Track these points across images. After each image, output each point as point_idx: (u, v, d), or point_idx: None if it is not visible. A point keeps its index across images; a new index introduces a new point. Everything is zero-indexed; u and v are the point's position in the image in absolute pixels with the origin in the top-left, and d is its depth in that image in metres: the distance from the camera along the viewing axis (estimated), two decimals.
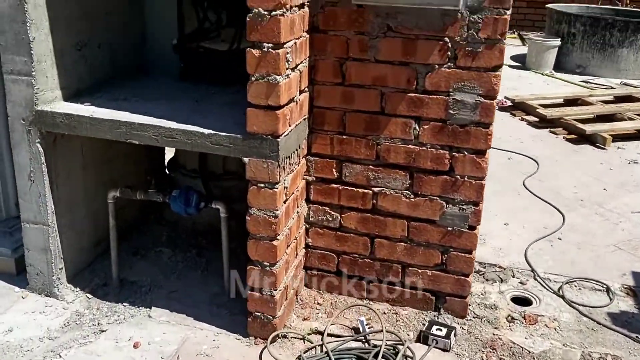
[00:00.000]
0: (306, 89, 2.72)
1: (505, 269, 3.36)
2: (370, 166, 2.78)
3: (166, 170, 3.86)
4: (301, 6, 2.51)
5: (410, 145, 2.71)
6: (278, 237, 2.56)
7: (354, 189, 2.84)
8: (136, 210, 3.52)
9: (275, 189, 2.48)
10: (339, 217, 2.90)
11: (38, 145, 2.74)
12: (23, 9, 2.55)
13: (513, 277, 3.32)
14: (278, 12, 2.28)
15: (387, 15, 2.58)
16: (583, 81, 7.75)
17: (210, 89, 3.13)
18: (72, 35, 2.83)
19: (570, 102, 6.54)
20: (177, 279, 3.14)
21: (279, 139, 2.42)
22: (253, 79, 2.38)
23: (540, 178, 4.68)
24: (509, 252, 3.56)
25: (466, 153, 2.65)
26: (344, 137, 2.78)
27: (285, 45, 2.36)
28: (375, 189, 2.81)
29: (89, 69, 2.98)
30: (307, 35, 2.64)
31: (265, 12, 2.28)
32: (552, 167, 4.92)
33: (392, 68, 2.63)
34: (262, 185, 2.50)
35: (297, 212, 2.82)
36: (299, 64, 2.57)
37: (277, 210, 2.51)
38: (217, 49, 3.25)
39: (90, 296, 2.98)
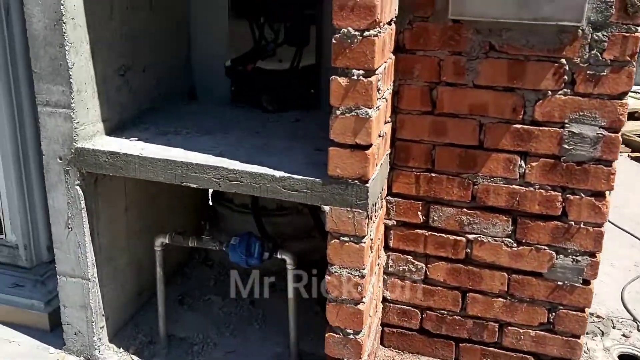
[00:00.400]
0: (389, 119, 2.32)
1: (604, 318, 2.93)
2: (464, 209, 2.37)
3: (209, 202, 3.48)
4: (389, 23, 2.11)
5: (514, 186, 2.29)
6: (364, 300, 2.15)
7: (443, 235, 2.42)
8: (181, 252, 3.12)
9: (362, 244, 2.07)
10: (425, 267, 2.49)
11: (77, 188, 2.35)
12: (61, 30, 2.17)
13: (614, 328, 2.89)
14: (372, 32, 1.87)
15: (489, 32, 2.18)
16: (632, 91, 7.28)
17: (269, 117, 2.75)
18: (114, 59, 2.45)
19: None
20: (231, 335, 2.74)
21: (367, 184, 2.02)
22: (338, 112, 1.97)
23: (615, 204, 4.22)
24: (603, 296, 3.13)
25: (583, 195, 2.24)
26: (433, 175, 2.37)
27: (377, 72, 1.96)
28: (470, 236, 2.39)
29: (133, 96, 2.60)
30: (393, 57, 2.25)
31: (356, 33, 1.87)
32: (625, 192, 4.46)
33: (495, 94, 2.23)
34: (346, 239, 2.08)
35: (378, 264, 2.42)
36: (385, 92, 2.17)
37: (364, 268, 2.10)
38: (274, 69, 2.87)
39: (135, 358, 2.58)
